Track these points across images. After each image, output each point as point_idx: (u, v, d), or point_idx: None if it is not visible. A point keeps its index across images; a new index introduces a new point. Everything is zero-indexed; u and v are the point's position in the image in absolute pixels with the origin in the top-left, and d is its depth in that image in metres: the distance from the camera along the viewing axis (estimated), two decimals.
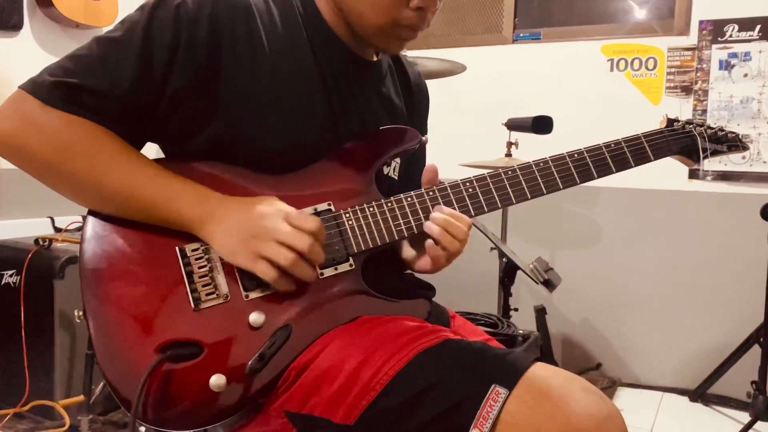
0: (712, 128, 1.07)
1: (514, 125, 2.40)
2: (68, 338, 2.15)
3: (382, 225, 0.93)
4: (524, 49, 2.99)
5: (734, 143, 1.08)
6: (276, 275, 0.83)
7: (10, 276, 2.18)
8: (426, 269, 0.99)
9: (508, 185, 0.96)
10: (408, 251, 1.03)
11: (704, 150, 1.05)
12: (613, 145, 0.99)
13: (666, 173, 2.64)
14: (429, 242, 0.93)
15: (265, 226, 0.83)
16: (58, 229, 2.50)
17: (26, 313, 2.12)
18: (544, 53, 2.93)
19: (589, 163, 0.98)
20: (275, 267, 0.83)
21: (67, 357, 2.14)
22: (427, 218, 0.94)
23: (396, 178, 1.07)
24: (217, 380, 0.81)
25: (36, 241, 2.21)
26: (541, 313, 2.47)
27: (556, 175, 0.97)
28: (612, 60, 2.79)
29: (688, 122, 1.06)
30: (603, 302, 2.85)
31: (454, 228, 0.92)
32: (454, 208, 0.94)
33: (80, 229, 2.52)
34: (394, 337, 0.83)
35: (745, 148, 1.10)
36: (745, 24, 2.54)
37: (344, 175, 0.96)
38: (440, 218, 0.92)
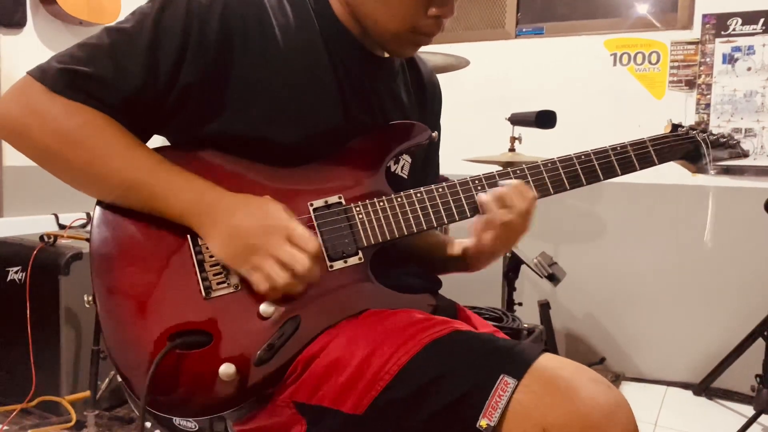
0: (714, 135, 1.08)
1: (517, 120, 2.40)
2: (74, 334, 2.16)
3: (391, 220, 0.93)
4: (527, 44, 2.99)
5: (735, 150, 1.11)
6: (267, 288, 0.83)
7: (16, 272, 2.19)
8: (480, 255, 1.01)
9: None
10: (458, 247, 1.06)
11: (707, 156, 1.06)
12: (619, 149, 1.00)
13: (669, 167, 2.63)
14: (476, 220, 0.94)
15: (266, 243, 0.82)
16: (62, 226, 2.51)
17: (32, 310, 2.13)
18: (547, 48, 2.93)
19: (596, 165, 0.99)
20: (269, 282, 0.83)
21: (73, 353, 2.16)
22: (437, 214, 0.94)
23: (405, 176, 1.07)
24: (226, 369, 0.81)
25: (41, 237, 2.22)
26: (545, 307, 2.48)
27: (563, 176, 0.98)
28: (615, 54, 2.79)
29: (692, 128, 1.07)
30: (607, 296, 2.85)
31: (508, 198, 0.93)
32: (461, 204, 0.95)
33: (85, 225, 2.55)
34: (402, 328, 0.83)
35: (745, 155, 1.12)
36: (749, 17, 2.54)
37: (355, 170, 0.96)
38: (497, 189, 0.93)
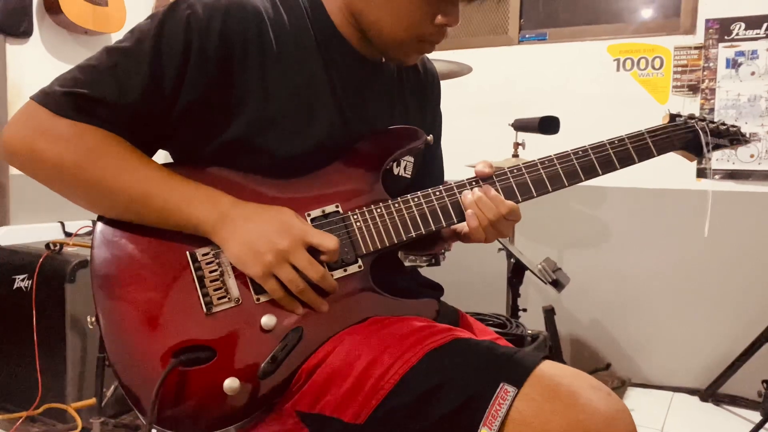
0: (714, 122, 1.07)
1: (520, 126, 2.40)
2: (80, 341, 2.16)
3: (389, 225, 0.94)
4: (530, 49, 2.99)
5: (736, 137, 1.09)
6: (283, 295, 0.85)
7: (22, 280, 2.20)
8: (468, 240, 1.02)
9: (513, 184, 0.97)
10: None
11: (707, 144, 1.04)
12: (616, 142, 1.00)
13: (674, 172, 2.64)
14: (468, 212, 0.95)
15: (283, 249, 0.84)
16: (68, 234, 2.53)
17: (38, 317, 2.14)
18: (550, 54, 2.93)
19: (594, 159, 0.98)
20: (284, 290, 0.85)
21: (78, 360, 2.16)
22: (434, 217, 0.94)
23: (408, 176, 1.07)
24: (230, 383, 0.81)
25: (47, 245, 2.23)
26: (549, 313, 2.47)
27: (561, 173, 0.97)
28: (618, 60, 2.79)
29: (690, 117, 1.06)
30: (612, 302, 2.84)
31: (483, 204, 0.93)
32: (459, 207, 0.95)
33: (90, 233, 2.56)
34: (403, 336, 0.84)
35: (746, 141, 1.11)
36: (752, 22, 2.54)
37: (351, 177, 0.96)
38: (475, 193, 0.95)
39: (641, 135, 1.01)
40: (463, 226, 1.02)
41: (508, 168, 0.98)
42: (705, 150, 1.05)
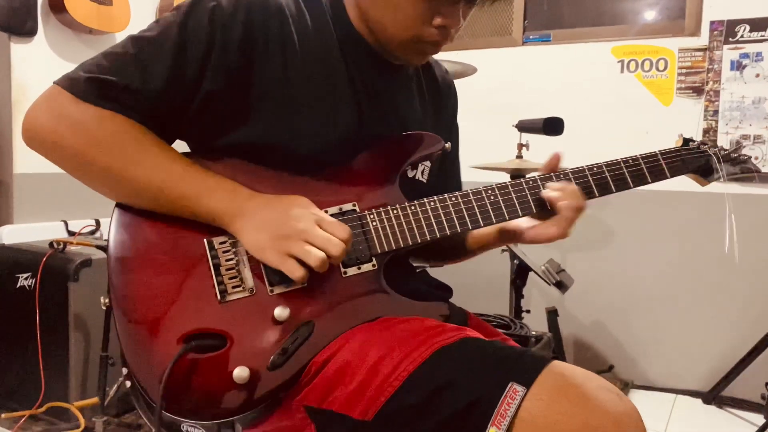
0: (725, 150, 1.09)
1: (524, 127, 2.40)
2: (83, 340, 2.17)
3: (405, 227, 0.94)
4: (534, 51, 2.99)
5: (746, 165, 1.11)
6: (303, 274, 0.84)
7: (26, 279, 2.20)
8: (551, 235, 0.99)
9: (528, 193, 0.98)
10: (526, 222, 1.03)
11: (718, 171, 1.07)
12: (631, 161, 1.01)
13: None
14: (561, 204, 0.95)
15: (298, 228, 0.84)
16: (71, 233, 2.53)
17: (41, 316, 2.15)
18: (554, 55, 2.93)
19: (608, 177, 1.00)
20: (303, 266, 0.84)
21: (81, 359, 2.17)
22: (449, 222, 0.95)
23: (425, 181, 1.08)
24: (240, 372, 0.81)
25: (51, 244, 2.24)
26: (552, 314, 2.47)
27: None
28: (622, 61, 2.79)
29: (703, 143, 1.08)
30: (615, 304, 2.84)
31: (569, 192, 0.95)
32: (474, 214, 0.95)
33: (93, 232, 2.56)
34: (412, 334, 0.84)
35: (756, 171, 1.13)
36: (757, 24, 2.53)
37: (369, 178, 0.97)
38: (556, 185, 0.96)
39: (655, 156, 1.03)
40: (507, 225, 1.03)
41: (523, 179, 0.98)
42: (716, 175, 1.07)
